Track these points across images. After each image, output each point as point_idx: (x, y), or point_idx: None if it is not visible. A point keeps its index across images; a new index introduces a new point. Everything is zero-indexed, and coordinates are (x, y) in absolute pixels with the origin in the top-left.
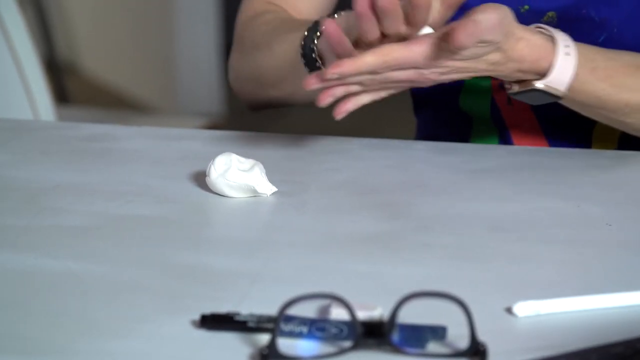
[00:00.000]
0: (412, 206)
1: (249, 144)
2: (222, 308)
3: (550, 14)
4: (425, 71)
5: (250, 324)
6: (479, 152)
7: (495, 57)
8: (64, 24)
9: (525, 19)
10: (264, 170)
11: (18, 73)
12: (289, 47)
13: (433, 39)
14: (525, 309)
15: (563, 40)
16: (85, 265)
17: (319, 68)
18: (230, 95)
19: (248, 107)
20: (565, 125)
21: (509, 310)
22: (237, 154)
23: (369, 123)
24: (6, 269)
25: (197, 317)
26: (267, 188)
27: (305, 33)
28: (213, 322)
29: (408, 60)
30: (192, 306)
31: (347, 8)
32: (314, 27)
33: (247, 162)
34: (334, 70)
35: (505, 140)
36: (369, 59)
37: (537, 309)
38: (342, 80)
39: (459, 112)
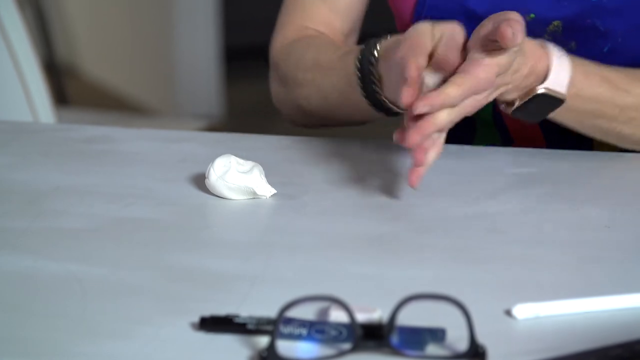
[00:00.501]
0: (411, 208)
1: (248, 146)
2: (222, 310)
3: (555, 23)
4: (478, 97)
5: (250, 326)
6: (477, 154)
7: (517, 63)
8: (63, 26)
9: (530, 27)
10: (264, 172)
11: (17, 75)
12: (337, 80)
13: (487, 60)
14: (524, 311)
15: (552, 45)
16: (85, 267)
17: (375, 91)
18: (229, 97)
19: (300, 126)
20: (567, 131)
21: (508, 313)
22: (237, 156)
23: (368, 125)
24: (6, 271)
25: (196, 319)
26: (266, 190)
27: (359, 56)
28: (212, 324)
29: (480, 86)
30: (191, 308)
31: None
32: (368, 48)
33: (246, 164)
34: (426, 102)
35: (507, 144)
36: (451, 90)
37: (536, 312)
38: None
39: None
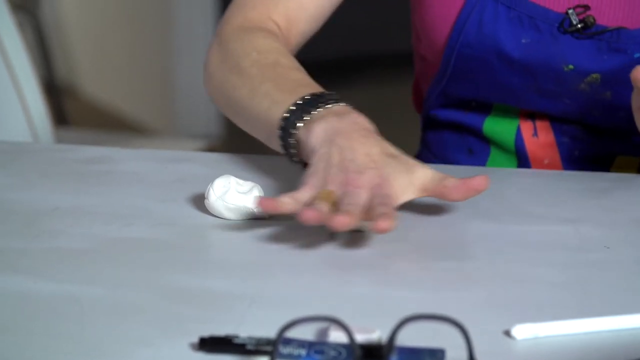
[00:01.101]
0: (410, 229)
1: (247, 167)
2: (221, 331)
3: (594, 75)
4: None
5: (249, 347)
6: (477, 174)
7: None
8: (63, 46)
9: (568, 77)
10: (263, 193)
11: (17, 95)
12: (269, 107)
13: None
14: (523, 331)
15: None
16: (83, 288)
17: (293, 154)
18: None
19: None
20: (585, 165)
21: (507, 333)
22: (236, 176)
23: None
24: (5, 291)
25: (195, 339)
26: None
27: (285, 115)
28: (212, 344)
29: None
30: (190, 329)
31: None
32: (299, 112)
33: (245, 185)
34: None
35: None
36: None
37: (536, 332)
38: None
39: (480, 136)
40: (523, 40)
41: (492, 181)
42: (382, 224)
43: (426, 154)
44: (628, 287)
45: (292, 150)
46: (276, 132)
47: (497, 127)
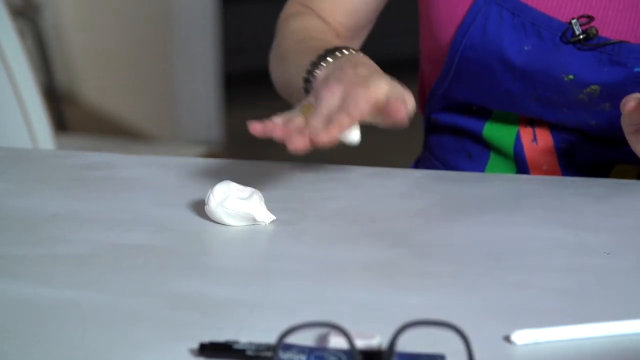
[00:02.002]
0: (410, 234)
1: (247, 173)
2: (221, 336)
3: (593, 87)
4: None
5: (249, 353)
6: (477, 180)
7: None
8: (63, 53)
9: (567, 86)
10: (263, 199)
11: (17, 101)
12: (297, 74)
13: None
14: (523, 337)
15: None
16: (83, 294)
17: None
18: (229, 123)
19: None
20: (584, 172)
21: (507, 339)
22: (236, 182)
23: (367, 151)
24: (5, 298)
25: (196, 345)
26: (265, 216)
27: (305, 75)
28: (212, 350)
29: None
30: (191, 334)
31: None
32: (318, 60)
33: (245, 191)
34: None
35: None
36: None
37: (535, 337)
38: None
39: (480, 141)
40: (525, 47)
41: (492, 187)
42: (322, 136)
43: (428, 157)
44: (628, 293)
45: None
46: (303, 95)
47: (497, 132)
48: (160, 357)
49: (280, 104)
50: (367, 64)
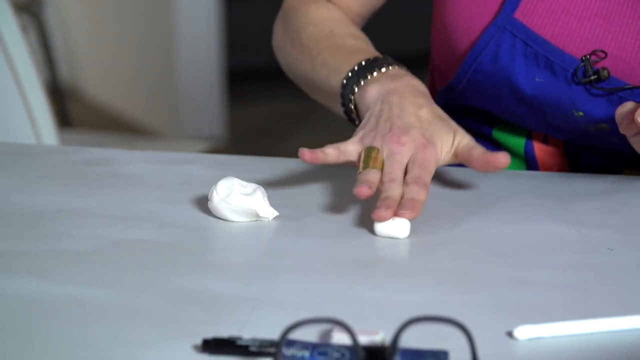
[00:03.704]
0: (413, 231)
1: (251, 168)
2: (224, 332)
3: (603, 125)
4: None
5: (252, 349)
6: (481, 177)
7: None
8: (66, 48)
9: (577, 121)
10: (266, 195)
11: (21, 97)
12: (328, 75)
13: None
14: (526, 332)
15: None
16: (87, 290)
17: (354, 119)
18: (232, 119)
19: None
20: (594, 166)
21: (510, 334)
22: (239, 178)
23: None
24: (8, 294)
25: (199, 341)
26: (269, 212)
27: (344, 81)
28: (215, 346)
29: None
30: (194, 331)
31: None
32: (356, 77)
33: (249, 186)
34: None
35: None
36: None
37: (538, 333)
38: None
39: (490, 140)
40: (537, 79)
41: (496, 183)
42: (406, 214)
43: None
44: (631, 288)
45: (352, 115)
46: (338, 99)
47: (508, 133)
48: (163, 354)
49: (282, 101)
50: (426, 100)
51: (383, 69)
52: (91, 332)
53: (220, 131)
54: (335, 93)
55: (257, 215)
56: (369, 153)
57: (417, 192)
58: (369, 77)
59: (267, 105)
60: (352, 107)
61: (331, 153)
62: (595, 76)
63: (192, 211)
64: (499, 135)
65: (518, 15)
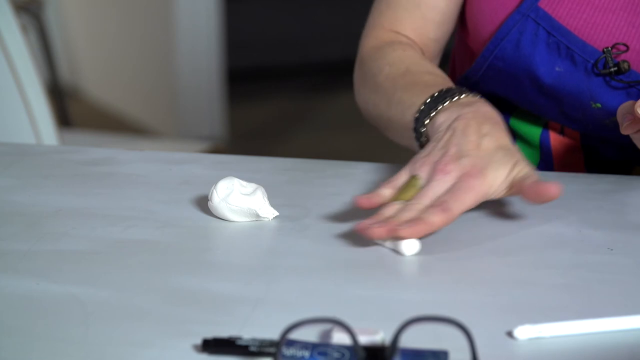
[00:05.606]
0: None
1: (251, 168)
2: (224, 332)
3: None
4: None
5: (252, 348)
6: None
7: None
8: (66, 48)
9: (594, 113)
10: (266, 195)
11: (21, 97)
12: (402, 111)
13: None
14: (526, 332)
15: None
16: (87, 290)
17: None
18: (232, 119)
19: None
20: (607, 168)
21: (510, 334)
22: (239, 178)
23: (371, 147)
24: (8, 293)
25: (199, 341)
26: (269, 212)
27: (416, 115)
28: (215, 346)
29: None
30: (194, 330)
31: None
32: (427, 109)
33: (249, 186)
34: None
35: (546, 167)
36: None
37: (538, 333)
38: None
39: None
40: (557, 69)
41: None
42: (402, 230)
43: None
44: (631, 289)
45: None
46: (412, 134)
47: (525, 122)
48: (163, 353)
49: (282, 101)
50: (493, 127)
51: (455, 98)
52: (91, 331)
53: (220, 131)
54: (409, 128)
55: (257, 215)
56: (408, 182)
57: (430, 213)
58: (439, 107)
59: (267, 105)
60: (424, 139)
61: (387, 194)
62: (616, 68)
63: (192, 211)
64: (515, 123)
65: (543, 4)
